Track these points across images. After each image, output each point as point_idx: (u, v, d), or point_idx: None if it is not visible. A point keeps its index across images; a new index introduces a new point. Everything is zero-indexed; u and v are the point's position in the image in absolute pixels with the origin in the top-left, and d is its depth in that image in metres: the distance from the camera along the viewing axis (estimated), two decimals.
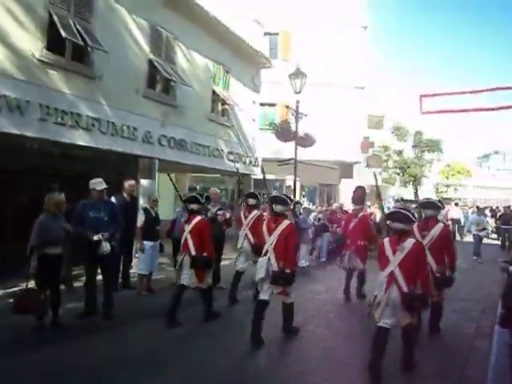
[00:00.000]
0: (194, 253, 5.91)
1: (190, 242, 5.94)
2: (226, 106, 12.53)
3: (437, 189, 32.71)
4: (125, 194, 7.74)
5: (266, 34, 16.14)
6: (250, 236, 7.22)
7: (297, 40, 18.57)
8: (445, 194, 35.61)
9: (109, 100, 8.44)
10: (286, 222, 5.46)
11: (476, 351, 5.40)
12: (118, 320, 5.91)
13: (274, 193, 6.87)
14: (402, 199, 27.05)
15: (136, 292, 7.41)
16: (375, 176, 6.12)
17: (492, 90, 19.98)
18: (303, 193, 21.13)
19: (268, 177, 16.53)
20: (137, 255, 7.88)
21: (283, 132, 11.89)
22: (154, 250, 7.56)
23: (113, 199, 7.08)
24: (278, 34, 18.58)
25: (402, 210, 4.75)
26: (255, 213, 7.41)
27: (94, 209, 6.00)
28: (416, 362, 4.69)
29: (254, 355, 5.06)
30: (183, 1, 10.17)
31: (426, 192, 32.66)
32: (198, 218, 6.09)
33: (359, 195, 8.34)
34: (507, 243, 16.38)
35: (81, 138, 7.88)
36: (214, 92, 11.94)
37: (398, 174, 29.44)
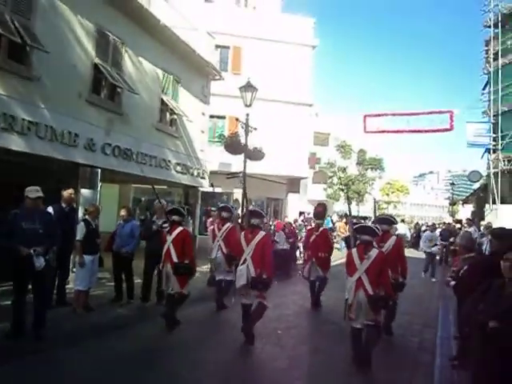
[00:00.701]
0: (176, 260, 6.32)
1: (173, 251, 6.37)
2: (175, 117, 12.23)
3: (378, 205, 33.91)
4: (63, 204, 7.23)
5: (217, 46, 16.12)
6: (223, 247, 7.81)
7: (247, 55, 18.69)
8: (385, 211, 37.09)
9: (48, 103, 7.89)
10: (262, 233, 6.13)
11: (421, 365, 5.47)
12: (50, 341, 5.40)
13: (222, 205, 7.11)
14: (346, 215, 27.87)
15: (72, 309, 6.88)
16: (349, 206, 7.72)
17: (428, 113, 21.38)
18: (250, 206, 21.06)
19: (215, 190, 16.39)
20: (74, 269, 7.33)
21: (233, 144, 11.77)
22: (94, 264, 7.08)
23: (50, 209, 6.57)
24: (228, 47, 18.59)
25: (368, 225, 5.74)
26: (228, 225, 7.98)
27: (28, 219, 5.46)
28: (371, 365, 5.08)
29: (198, 379, 4.78)
30: (133, 7, 9.84)
31: (369, 208, 33.90)
32: (180, 228, 6.57)
33: (320, 211, 9.23)
34: (443, 258, 17.20)
35: (15, 143, 7.27)
36: (162, 101, 11.61)
37: (343, 190, 30.23)
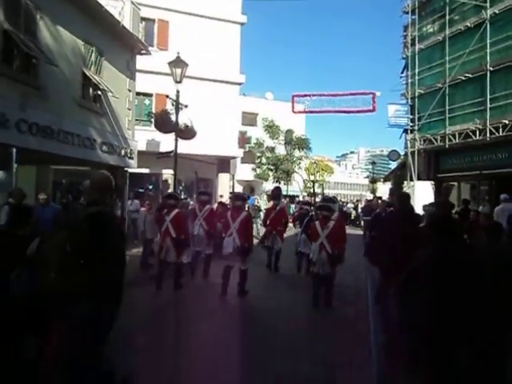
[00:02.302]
0: (174, 236, 7.83)
1: (171, 229, 7.87)
2: (99, 92, 11.44)
3: (305, 185, 34.93)
4: None
5: (141, 19, 15.26)
6: (204, 225, 9.25)
7: (174, 30, 17.96)
8: (311, 190, 38.27)
9: None
10: (244, 213, 7.95)
11: (359, 333, 5.75)
12: None
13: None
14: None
15: None
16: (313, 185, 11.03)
17: (352, 94, 22.19)
18: (180, 187, 20.63)
19: (142, 170, 15.74)
20: None
21: (163, 122, 11.27)
22: None
23: None
24: (154, 20, 17.70)
25: (326, 204, 7.75)
26: (208, 207, 9.56)
27: None
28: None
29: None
30: None
31: (297, 188, 34.80)
32: (176, 210, 8.10)
33: (277, 193, 11.49)
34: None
35: None
36: (84, 75, 10.77)
37: (271, 169, 30.66)
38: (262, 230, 11.45)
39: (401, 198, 6.18)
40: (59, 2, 9.64)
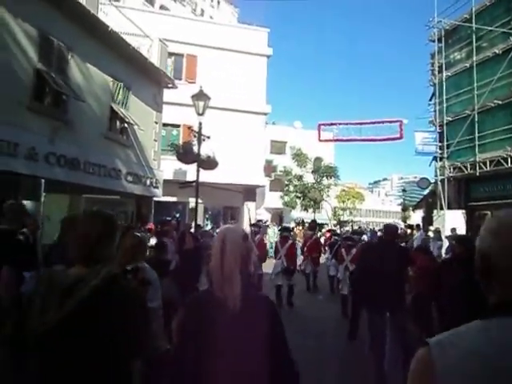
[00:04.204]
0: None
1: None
2: (125, 125, 11.91)
3: (335, 212, 34.57)
4: None
5: (170, 54, 15.93)
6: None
7: (202, 63, 18.63)
8: (341, 217, 37.79)
9: None
10: (290, 241, 10.08)
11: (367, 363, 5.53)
12: None
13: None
14: (303, 221, 28.18)
15: None
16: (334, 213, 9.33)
17: (379, 122, 22.04)
18: (206, 216, 20.88)
19: (170, 199, 16.01)
20: None
21: (185, 153, 11.58)
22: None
23: None
24: (182, 55, 18.43)
25: (350, 236, 10.26)
26: (258, 236, 10.52)
27: None
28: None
29: None
30: (80, 12, 9.52)
31: (325, 216, 34.47)
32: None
33: (313, 225, 13.66)
34: None
35: None
36: (112, 109, 11.27)
37: (299, 197, 30.58)
38: (301, 258, 12.48)
39: (386, 230, 5.72)
40: (89, 42, 10.22)
